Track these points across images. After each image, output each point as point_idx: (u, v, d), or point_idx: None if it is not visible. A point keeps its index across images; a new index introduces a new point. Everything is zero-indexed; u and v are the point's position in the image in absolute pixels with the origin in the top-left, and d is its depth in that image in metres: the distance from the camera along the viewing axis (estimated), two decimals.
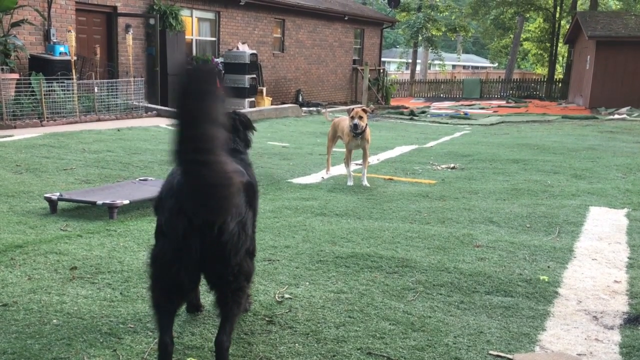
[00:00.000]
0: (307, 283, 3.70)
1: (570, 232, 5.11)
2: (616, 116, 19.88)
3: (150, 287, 2.47)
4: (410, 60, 44.33)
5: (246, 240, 2.47)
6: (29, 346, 2.76)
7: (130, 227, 4.83)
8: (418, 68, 44.15)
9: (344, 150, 7.48)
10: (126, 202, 5.24)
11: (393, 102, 26.58)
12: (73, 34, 12.32)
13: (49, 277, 3.65)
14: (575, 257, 4.41)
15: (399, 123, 17.55)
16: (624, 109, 21.76)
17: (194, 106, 2.13)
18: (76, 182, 6.69)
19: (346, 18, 24.47)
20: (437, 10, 39.54)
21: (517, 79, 35.85)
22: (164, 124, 12.30)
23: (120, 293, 3.44)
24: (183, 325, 3.05)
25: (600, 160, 9.38)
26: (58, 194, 5.42)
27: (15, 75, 11.31)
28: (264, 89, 18.70)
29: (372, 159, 8.94)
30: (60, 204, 5.40)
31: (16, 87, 11.22)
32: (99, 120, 12.28)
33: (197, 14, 17.69)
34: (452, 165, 8.77)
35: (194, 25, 17.66)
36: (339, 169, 8.05)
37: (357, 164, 8.21)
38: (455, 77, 39.05)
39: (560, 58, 40.49)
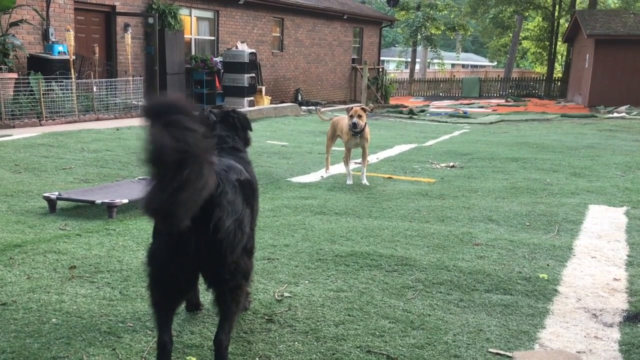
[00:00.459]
0: (307, 282, 3.70)
1: (569, 230, 5.11)
2: (615, 114, 19.88)
3: (148, 286, 2.47)
4: (409, 59, 44.36)
5: (242, 238, 2.47)
6: (28, 345, 2.75)
7: (129, 226, 4.83)
8: (417, 67, 44.17)
9: (343, 149, 7.47)
10: (125, 201, 5.24)
11: (392, 101, 26.58)
12: (72, 33, 12.30)
13: (48, 276, 3.65)
14: (574, 255, 4.41)
15: (398, 122, 17.55)
16: (622, 108, 21.77)
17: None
18: (75, 182, 6.69)
19: (345, 17, 24.46)
20: (436, 9, 39.54)
21: (516, 78, 35.87)
22: None
23: (120, 292, 3.44)
24: (182, 324, 3.05)
25: (599, 159, 9.38)
26: (57, 193, 5.42)
27: (14, 75, 11.30)
28: (263, 88, 18.69)
29: (372, 158, 8.94)
30: (59, 203, 5.40)
31: (15, 87, 11.22)
32: (97, 119, 12.28)
33: (196, 13, 17.68)
34: (451, 163, 8.77)
35: (193, 25, 17.66)
36: (338, 168, 8.05)
37: (356, 163, 8.20)
38: (454, 76, 39.08)
39: (559, 57, 40.50)
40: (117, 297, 3.36)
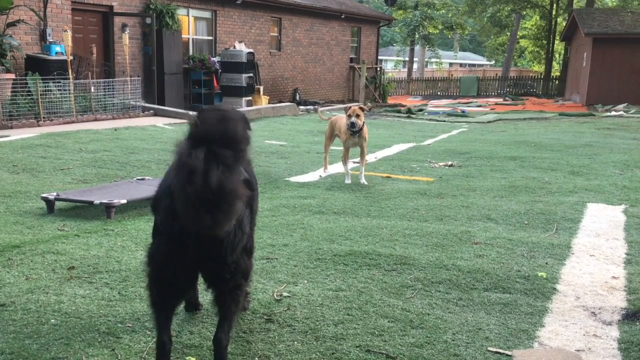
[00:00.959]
0: (306, 281, 3.70)
1: (568, 228, 5.12)
2: (613, 113, 19.90)
3: (147, 286, 2.47)
4: (407, 58, 44.38)
5: (243, 237, 2.47)
6: (27, 346, 2.75)
7: (128, 227, 4.82)
8: (415, 66, 44.18)
9: (342, 148, 7.47)
10: (123, 201, 5.23)
11: (390, 100, 26.58)
12: (69, 33, 12.28)
13: (46, 277, 3.64)
14: (573, 254, 4.41)
15: (397, 121, 17.55)
16: (620, 106, 21.80)
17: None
18: (73, 182, 6.68)
19: (343, 16, 24.45)
20: (434, 8, 39.58)
21: (514, 77, 35.90)
22: (161, 124, 12.29)
23: (118, 292, 3.43)
24: (182, 324, 3.04)
25: (597, 157, 9.39)
26: (55, 193, 5.41)
27: (12, 76, 11.27)
28: (261, 88, 18.68)
29: (370, 157, 8.94)
30: (58, 204, 5.39)
31: (12, 87, 11.19)
32: (95, 120, 12.26)
33: (193, 12, 17.66)
34: (449, 162, 8.77)
35: (191, 24, 17.63)
36: (336, 167, 8.04)
37: (355, 162, 8.21)
38: (452, 75, 39.08)
39: (557, 55, 40.53)
40: (115, 298, 3.35)
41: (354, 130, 6.94)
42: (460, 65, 58.14)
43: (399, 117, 19.10)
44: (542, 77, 34.21)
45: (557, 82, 32.30)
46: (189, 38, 17.51)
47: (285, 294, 3.48)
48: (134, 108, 13.40)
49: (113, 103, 13.00)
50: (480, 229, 5.05)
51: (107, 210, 5.13)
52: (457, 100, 28.98)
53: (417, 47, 42.87)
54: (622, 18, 24.88)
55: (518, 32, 42.45)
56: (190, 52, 17.48)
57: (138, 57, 15.45)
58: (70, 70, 12.11)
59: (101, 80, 13.04)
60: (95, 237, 4.52)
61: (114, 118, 12.66)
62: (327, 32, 24.12)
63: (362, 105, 7.27)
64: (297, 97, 21.64)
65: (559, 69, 37.46)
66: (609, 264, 4.22)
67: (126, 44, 14.10)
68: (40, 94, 11.23)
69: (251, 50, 18.22)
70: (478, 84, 33.85)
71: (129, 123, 12.12)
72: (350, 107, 7.08)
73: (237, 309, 2.52)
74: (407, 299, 3.46)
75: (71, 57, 12.35)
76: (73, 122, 11.73)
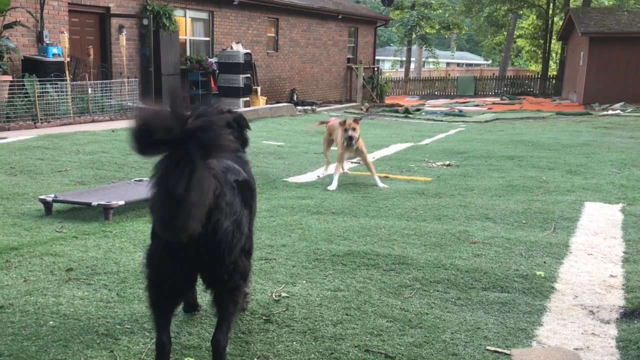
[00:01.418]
0: (304, 281, 3.70)
1: (565, 227, 5.13)
2: (610, 112, 19.94)
3: (147, 287, 2.46)
4: (404, 58, 44.40)
5: (241, 238, 2.46)
6: (26, 348, 2.75)
7: (126, 228, 4.82)
8: (412, 66, 44.21)
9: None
10: (121, 202, 5.22)
11: (388, 100, 26.60)
12: (66, 35, 12.27)
13: (44, 278, 3.64)
14: (571, 253, 4.42)
15: (394, 121, 17.56)
16: (617, 105, 21.84)
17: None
18: (71, 184, 6.67)
19: (340, 17, 24.46)
20: (431, 8, 39.60)
21: (511, 76, 35.94)
22: None
23: (117, 294, 3.43)
24: (180, 325, 3.04)
25: (594, 156, 9.41)
26: (53, 195, 5.40)
27: (9, 77, 11.26)
28: (259, 89, 18.67)
29: (368, 157, 8.93)
30: (55, 206, 5.38)
31: (9, 89, 11.18)
32: (93, 121, 12.24)
33: (190, 14, 17.65)
34: (447, 162, 8.78)
35: (188, 25, 17.62)
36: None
37: (352, 162, 8.24)
38: (449, 74, 39.09)
39: (554, 55, 40.57)
40: (114, 299, 3.35)
41: (351, 143, 6.95)
42: (458, 64, 58.18)
43: (396, 117, 19.11)
44: (539, 76, 34.26)
45: (554, 82, 32.35)
46: (186, 39, 17.50)
47: (283, 294, 3.48)
48: (132, 109, 13.38)
49: (110, 104, 12.99)
50: (478, 228, 5.05)
51: (105, 212, 5.13)
52: (454, 100, 29.00)
53: (414, 47, 42.90)
54: (619, 17, 24.93)
55: (515, 32, 42.48)
56: (188, 53, 17.47)
57: (135, 58, 15.44)
58: (67, 72, 12.10)
59: (98, 81, 13.04)
60: (94, 238, 4.51)
61: (111, 119, 12.65)
62: (324, 32, 24.12)
63: (356, 118, 7.29)
64: (295, 98, 21.63)
65: (555, 68, 37.53)
66: (607, 262, 4.23)
67: (123, 45, 14.09)
68: (38, 96, 11.22)
69: (248, 51, 18.22)
70: (475, 83, 33.88)
71: (127, 124, 12.10)
72: (345, 121, 7.11)
73: (236, 309, 2.52)
74: (406, 298, 3.46)
75: (68, 59, 12.34)
76: (70, 123, 11.72)
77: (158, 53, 15.34)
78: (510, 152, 9.75)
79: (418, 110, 21.65)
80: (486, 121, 17.38)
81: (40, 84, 11.37)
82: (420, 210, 5.68)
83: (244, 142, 3.18)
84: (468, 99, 29.17)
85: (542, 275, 3.87)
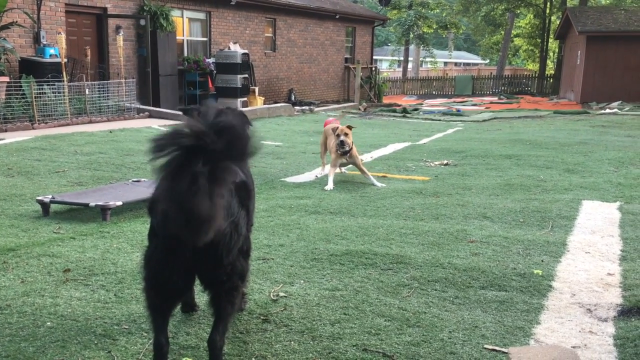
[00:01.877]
0: (302, 281, 3.70)
1: (563, 226, 5.13)
2: (607, 111, 19.97)
3: (144, 288, 2.46)
4: (402, 58, 44.41)
5: (239, 239, 2.46)
6: (23, 349, 2.74)
7: (124, 229, 4.82)
8: (410, 65, 44.24)
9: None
10: (119, 203, 5.22)
11: (385, 100, 26.60)
12: (63, 36, 12.24)
13: (42, 279, 3.63)
14: (568, 251, 4.42)
15: (392, 120, 17.57)
16: (615, 104, 21.86)
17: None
18: (68, 185, 6.66)
19: (337, 17, 24.46)
20: (428, 8, 39.64)
21: (508, 75, 35.99)
22: (156, 125, 12.26)
23: (114, 294, 3.43)
24: (178, 325, 3.04)
25: (592, 155, 9.42)
26: (50, 196, 5.40)
27: (6, 79, 11.24)
28: (256, 89, 18.66)
29: (366, 157, 8.95)
30: (53, 207, 5.38)
31: (6, 90, 11.15)
32: (90, 122, 12.23)
33: (187, 14, 17.64)
34: (445, 161, 8.79)
35: (185, 26, 17.61)
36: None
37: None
38: (447, 74, 39.13)
39: (551, 54, 40.62)
40: (112, 300, 3.35)
41: (344, 150, 6.94)
42: (455, 64, 58.19)
43: (394, 116, 19.12)
44: (537, 75, 34.29)
45: (551, 81, 32.38)
46: (183, 39, 17.48)
47: (281, 294, 3.48)
48: (129, 110, 13.37)
49: (108, 105, 12.97)
50: (476, 227, 5.06)
51: (102, 213, 5.12)
52: (452, 100, 29.02)
53: (411, 47, 42.93)
54: (616, 16, 24.96)
55: (512, 31, 42.54)
56: (185, 54, 17.46)
57: (132, 58, 15.42)
58: (64, 73, 12.07)
59: (96, 82, 13.01)
60: (91, 239, 4.51)
61: (108, 120, 12.64)
62: (321, 32, 24.12)
63: (349, 125, 7.29)
64: (293, 98, 21.63)
65: (553, 67, 37.55)
66: (604, 260, 4.23)
67: (120, 45, 14.07)
68: (35, 97, 11.20)
69: (246, 51, 18.21)
70: (473, 82, 33.91)
71: (124, 125, 12.09)
72: (338, 127, 7.11)
73: (233, 310, 2.52)
74: (404, 297, 3.46)
75: (65, 60, 12.31)
76: (68, 124, 11.70)
77: (155, 53, 15.32)
78: (507, 151, 9.76)
79: (416, 109, 21.66)
80: (484, 120, 17.40)
81: (38, 85, 11.35)
82: (418, 210, 5.68)
83: None
84: (466, 99, 29.19)
85: (540, 274, 3.88)
